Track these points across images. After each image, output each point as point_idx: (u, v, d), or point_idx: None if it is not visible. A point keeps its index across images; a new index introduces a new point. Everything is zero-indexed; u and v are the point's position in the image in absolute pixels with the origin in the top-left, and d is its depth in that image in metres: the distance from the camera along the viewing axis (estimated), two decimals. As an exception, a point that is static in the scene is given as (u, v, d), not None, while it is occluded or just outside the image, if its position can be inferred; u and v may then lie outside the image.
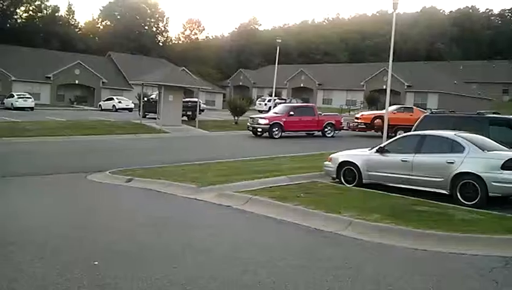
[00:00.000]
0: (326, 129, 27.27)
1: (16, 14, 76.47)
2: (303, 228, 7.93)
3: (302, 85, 71.63)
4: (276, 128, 25.87)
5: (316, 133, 27.44)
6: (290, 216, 8.51)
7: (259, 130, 26.13)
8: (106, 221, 8.37)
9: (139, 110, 35.66)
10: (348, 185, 11.40)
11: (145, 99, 36.02)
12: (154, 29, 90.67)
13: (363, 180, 11.35)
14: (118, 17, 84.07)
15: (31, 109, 43.08)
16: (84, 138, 23.52)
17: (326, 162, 12.44)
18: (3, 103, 44.56)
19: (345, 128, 28.42)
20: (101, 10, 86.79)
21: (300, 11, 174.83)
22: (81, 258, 6.09)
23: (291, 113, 26.57)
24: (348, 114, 54.36)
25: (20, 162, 16.04)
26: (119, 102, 50.01)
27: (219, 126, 31.72)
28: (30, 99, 44.92)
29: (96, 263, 5.83)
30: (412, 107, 30.84)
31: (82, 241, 6.89)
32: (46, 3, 77.97)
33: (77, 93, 60.94)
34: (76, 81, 59.30)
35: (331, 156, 12.47)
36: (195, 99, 35.28)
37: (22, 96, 45.32)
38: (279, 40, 37.76)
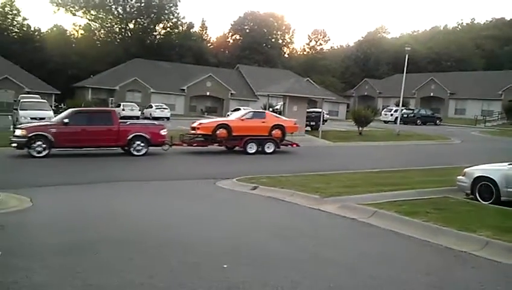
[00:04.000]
0: (134, 144, 19.48)
1: (155, 31, 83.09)
2: (433, 246, 7.50)
3: (432, 94, 68.11)
4: (40, 143, 18.02)
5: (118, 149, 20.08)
6: (419, 232, 8.10)
7: (14, 145, 18.33)
8: (232, 226, 8.67)
9: (265, 120, 36.50)
10: (484, 202, 10.56)
11: (270, 109, 36.89)
12: (280, 41, 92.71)
13: (502, 198, 10.43)
14: (247, 30, 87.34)
15: (167, 118, 46.43)
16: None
17: (460, 177, 11.67)
18: (143, 113, 48.63)
19: (177, 143, 21.43)
20: (231, 25, 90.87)
21: (431, 17, 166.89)
22: (211, 260, 6.39)
23: (66, 121, 18.76)
24: (483, 125, 50.57)
25: (155, 168, 17.34)
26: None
27: (342, 137, 31.35)
28: (166, 110, 48.65)
29: (225, 266, 6.08)
30: (263, 112, 25.13)
31: (210, 244, 7.22)
32: (182, 20, 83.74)
33: (208, 104, 64.42)
34: (208, 93, 62.76)
35: (465, 170, 11.67)
36: (319, 110, 35.31)
37: (159, 106, 49.19)
38: (408, 48, 36.33)
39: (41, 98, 36.23)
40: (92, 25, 79.88)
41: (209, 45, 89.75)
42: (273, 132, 22.04)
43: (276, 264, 6.34)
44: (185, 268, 6.10)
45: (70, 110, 20.66)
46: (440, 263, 6.79)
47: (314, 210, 10.13)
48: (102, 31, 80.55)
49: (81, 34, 79.58)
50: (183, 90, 61.36)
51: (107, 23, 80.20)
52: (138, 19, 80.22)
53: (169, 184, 13.84)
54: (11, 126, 27.79)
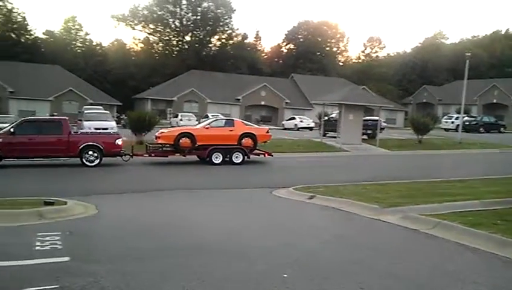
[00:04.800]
0: (86, 154, 18.66)
1: (211, 43, 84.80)
2: (501, 259, 7.16)
3: (494, 101, 65.38)
4: None
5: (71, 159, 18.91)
6: (485, 245, 7.75)
7: None
8: (289, 236, 8.62)
9: (320, 129, 36.36)
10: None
11: (326, 118, 36.62)
12: (335, 49, 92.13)
13: None
14: (301, 40, 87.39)
15: None
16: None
17: (528, 187, 11.10)
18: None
19: (138, 153, 20.31)
20: (285, 35, 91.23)
21: (491, 22, 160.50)
22: (270, 269, 6.40)
23: (12, 130, 18.25)
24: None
25: (210, 176, 17.61)
26: (301, 121, 51.79)
27: (401, 145, 30.63)
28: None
29: (285, 275, 6.07)
30: (232, 120, 23.21)
31: (269, 253, 7.23)
32: (236, 31, 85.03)
33: (262, 113, 64.80)
34: (262, 102, 63.18)
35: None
36: (376, 118, 34.70)
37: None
38: (469, 54, 35.07)
39: (104, 109, 37.65)
40: (150, 38, 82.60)
41: (263, 54, 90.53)
42: (243, 140, 20.80)
43: (337, 276, 6.26)
44: (246, 278, 6.13)
45: (20, 119, 20.37)
46: (510, 277, 6.47)
47: (374, 220, 9.93)
48: (160, 44, 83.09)
49: (141, 47, 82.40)
50: (238, 99, 62.09)
51: (165, 36, 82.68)
52: (194, 32, 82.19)
53: (227, 193, 13.99)
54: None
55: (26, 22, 77.00)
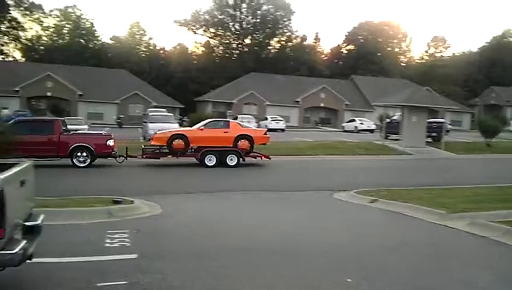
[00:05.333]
0: (77, 155, 18.42)
1: (270, 46, 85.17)
2: None
3: None
4: None
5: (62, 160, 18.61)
6: (562, 254, 7.34)
7: None
8: (350, 240, 8.52)
9: (381, 132, 35.62)
10: None
11: (388, 120, 35.81)
12: (397, 50, 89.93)
13: None
14: (362, 40, 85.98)
15: (282, 130, 47.20)
16: (328, 157, 24.56)
17: None
18: (259, 125, 49.92)
19: (132, 155, 19.83)
20: (345, 36, 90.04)
21: None
22: (332, 272, 6.37)
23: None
24: None
25: (268, 177, 17.68)
26: (361, 123, 50.90)
27: (468, 148, 29.43)
28: (281, 122, 49.46)
29: (349, 280, 6.02)
30: (227, 121, 22.62)
31: (331, 256, 7.19)
32: (295, 33, 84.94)
33: (322, 115, 64.36)
34: (321, 104, 62.76)
35: None
36: (441, 120, 33.52)
37: (274, 118, 50.15)
38: (542, 52, 33.24)
39: (167, 112, 38.72)
40: (211, 42, 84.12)
41: (322, 56, 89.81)
42: (239, 142, 20.07)
43: (403, 285, 6.12)
44: (306, 281, 6.13)
45: (15, 119, 20.14)
46: None
47: (440, 226, 9.62)
48: (220, 47, 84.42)
49: (202, 50, 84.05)
50: (297, 102, 61.99)
51: (225, 40, 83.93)
52: (254, 34, 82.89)
53: (287, 195, 14.02)
54: (141, 137, 30.14)
55: (94, 28, 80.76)
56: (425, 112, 29.78)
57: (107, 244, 7.46)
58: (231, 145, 20.02)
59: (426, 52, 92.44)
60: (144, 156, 20.07)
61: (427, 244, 8.42)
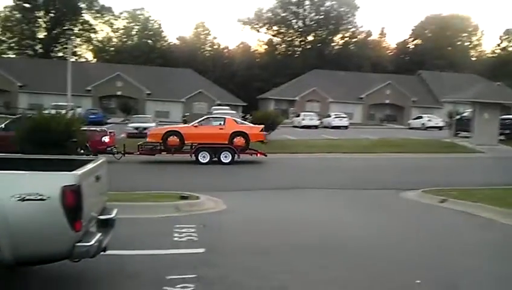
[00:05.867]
0: None
1: (333, 42, 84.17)
2: None
3: None
4: None
5: None
6: None
7: None
8: (423, 241, 8.25)
9: (450, 129, 34.31)
10: None
11: (458, 117, 34.42)
12: (467, 44, 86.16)
13: None
14: (429, 35, 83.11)
15: (345, 127, 46.56)
16: (393, 155, 23.93)
17: None
18: (322, 122, 49.53)
19: (129, 151, 19.83)
20: (412, 30, 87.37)
21: None
22: (405, 274, 6.23)
23: (2, 126, 18.09)
24: None
25: (335, 175, 17.47)
26: (429, 120, 49.31)
27: (546, 147, 27.70)
28: (345, 119, 48.78)
29: (418, 281, 5.85)
30: (223, 118, 21.69)
31: (399, 257, 7.02)
32: (360, 29, 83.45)
33: (387, 112, 62.87)
34: (387, 101, 61.35)
35: None
36: (515, 117, 31.78)
37: (338, 115, 49.56)
38: None
39: (230, 109, 39.23)
40: (274, 40, 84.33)
41: (388, 51, 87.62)
42: (235, 139, 19.81)
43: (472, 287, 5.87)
44: (374, 282, 6.01)
45: (17, 115, 19.94)
46: None
47: (516, 228, 9.14)
48: (283, 45, 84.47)
49: (264, 48, 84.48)
50: (361, 98, 60.91)
51: (287, 37, 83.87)
52: (317, 31, 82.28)
53: (350, 193, 13.80)
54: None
55: (161, 29, 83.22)
56: (497, 109, 28.38)
57: (176, 239, 7.65)
58: (226, 142, 19.88)
59: (498, 45, 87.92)
60: (137, 153, 20.11)
61: (504, 248, 8.01)
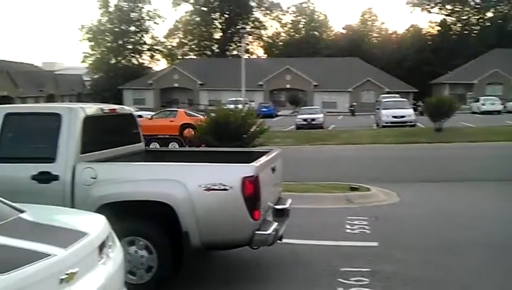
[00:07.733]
0: None
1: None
2: None
3: None
4: None
5: None
6: None
7: None
8: None
9: None
10: None
11: None
12: None
13: None
14: None
15: (498, 112, 41.72)
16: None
17: None
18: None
19: None
20: None
21: None
22: None
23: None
24: None
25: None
26: None
27: None
28: (498, 102, 43.70)
29: None
30: (175, 110, 24.69)
31: None
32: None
33: None
34: None
35: None
36: None
37: (488, 100, 44.72)
38: None
39: (401, 97, 37.75)
40: (447, 20, 78.58)
41: None
42: (185, 131, 20.53)
43: None
44: None
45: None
46: None
47: None
48: (458, 25, 78.24)
49: (437, 30, 79.23)
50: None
51: (463, 16, 77.44)
52: (497, 7, 74.34)
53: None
54: (374, 124, 30.06)
55: (327, 20, 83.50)
56: None
57: (348, 230, 7.61)
58: (177, 134, 20.96)
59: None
60: None
61: None
